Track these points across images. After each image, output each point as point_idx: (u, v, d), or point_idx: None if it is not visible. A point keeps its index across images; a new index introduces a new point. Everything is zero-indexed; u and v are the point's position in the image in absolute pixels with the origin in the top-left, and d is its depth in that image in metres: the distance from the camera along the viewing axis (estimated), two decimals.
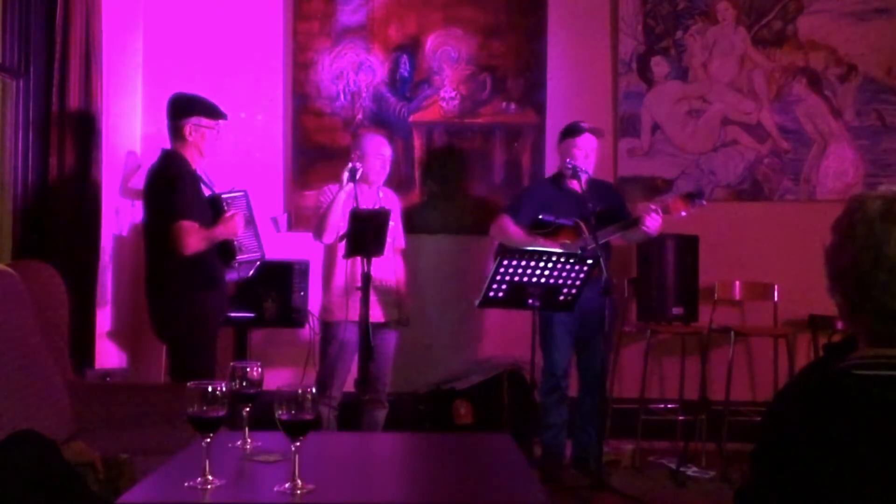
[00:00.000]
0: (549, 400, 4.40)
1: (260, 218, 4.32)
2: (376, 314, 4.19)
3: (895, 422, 1.32)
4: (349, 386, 4.32)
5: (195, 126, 3.89)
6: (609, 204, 4.41)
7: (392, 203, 4.45)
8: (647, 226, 4.21)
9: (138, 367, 4.89)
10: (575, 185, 4.30)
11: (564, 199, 4.31)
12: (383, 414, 4.39)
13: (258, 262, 4.16)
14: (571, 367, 4.47)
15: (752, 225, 5.12)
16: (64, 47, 4.13)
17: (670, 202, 4.30)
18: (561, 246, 4.19)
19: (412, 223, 4.98)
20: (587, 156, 4.37)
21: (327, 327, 4.34)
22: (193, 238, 3.70)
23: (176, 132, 3.91)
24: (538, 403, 4.45)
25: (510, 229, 4.40)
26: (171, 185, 3.75)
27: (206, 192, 3.96)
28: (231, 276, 4.04)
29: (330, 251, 4.32)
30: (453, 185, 5.24)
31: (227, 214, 3.88)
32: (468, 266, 4.88)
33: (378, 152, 4.34)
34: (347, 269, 4.16)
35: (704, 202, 4.30)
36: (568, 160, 4.32)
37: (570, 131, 4.42)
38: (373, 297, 3.94)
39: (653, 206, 4.25)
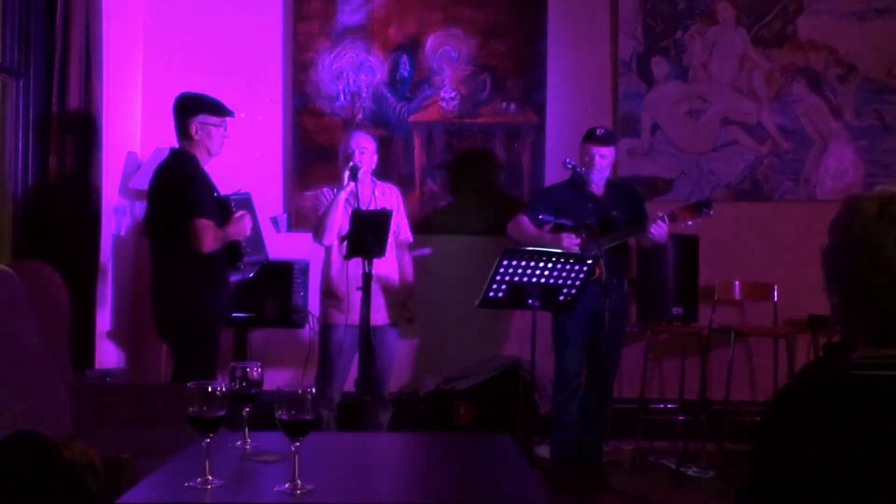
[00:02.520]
0: (561, 398, 4.41)
1: (260, 218, 4.30)
2: (379, 316, 4.19)
3: (895, 421, 1.33)
4: (348, 386, 4.32)
5: (200, 124, 3.85)
6: (628, 208, 4.41)
7: (392, 197, 4.44)
8: (651, 233, 4.22)
9: (138, 367, 4.89)
10: (594, 188, 4.35)
11: (582, 201, 4.24)
12: (387, 416, 4.39)
13: (261, 264, 4.16)
14: (583, 367, 4.47)
15: (752, 225, 5.12)
16: (64, 47, 4.13)
17: (677, 211, 4.29)
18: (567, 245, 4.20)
19: (411, 224, 4.95)
20: (601, 161, 4.37)
21: (324, 329, 4.35)
22: (210, 236, 3.67)
23: (182, 132, 3.87)
24: (552, 402, 4.47)
25: (527, 228, 4.43)
26: (187, 184, 3.71)
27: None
28: (235, 276, 4.04)
29: (328, 253, 4.32)
30: (453, 185, 5.24)
31: (237, 215, 3.85)
32: (468, 266, 4.87)
33: (361, 146, 4.33)
34: (346, 270, 4.14)
35: (712, 213, 4.27)
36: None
37: (586, 136, 4.42)
38: (378, 299, 3.92)
39: (659, 214, 4.26)
